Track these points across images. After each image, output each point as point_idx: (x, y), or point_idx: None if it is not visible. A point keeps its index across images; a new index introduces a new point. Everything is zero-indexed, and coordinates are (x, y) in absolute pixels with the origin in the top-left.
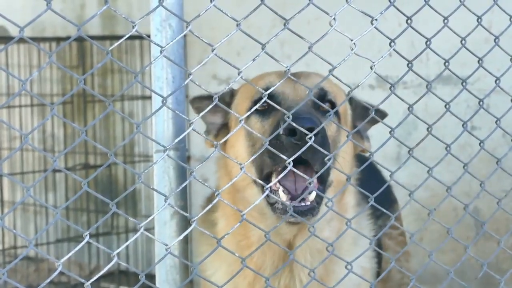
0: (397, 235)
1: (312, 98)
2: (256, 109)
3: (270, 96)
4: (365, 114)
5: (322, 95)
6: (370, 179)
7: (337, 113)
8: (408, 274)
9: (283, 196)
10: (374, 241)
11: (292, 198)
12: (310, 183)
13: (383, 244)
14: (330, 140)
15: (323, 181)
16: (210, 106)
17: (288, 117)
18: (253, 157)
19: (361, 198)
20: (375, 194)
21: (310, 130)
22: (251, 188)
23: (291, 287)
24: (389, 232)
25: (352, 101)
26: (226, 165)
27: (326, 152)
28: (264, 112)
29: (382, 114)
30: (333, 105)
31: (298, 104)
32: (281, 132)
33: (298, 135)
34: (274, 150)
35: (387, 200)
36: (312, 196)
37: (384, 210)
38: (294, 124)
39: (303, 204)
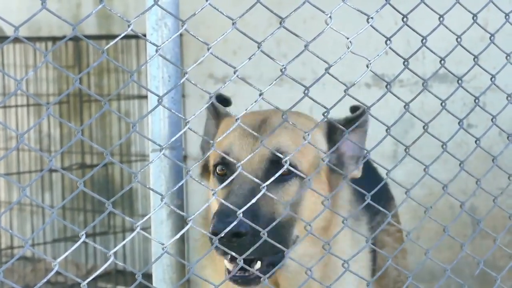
0: (394, 232)
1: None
2: (217, 173)
3: (226, 164)
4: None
5: (276, 159)
6: (366, 177)
7: (298, 174)
8: (405, 272)
9: (226, 264)
10: (370, 240)
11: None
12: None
13: (381, 241)
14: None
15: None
16: (204, 107)
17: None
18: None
19: (355, 200)
20: (371, 193)
21: (237, 233)
22: None
23: None
24: (387, 228)
25: (332, 132)
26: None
27: (277, 245)
28: (224, 177)
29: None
30: (293, 167)
31: (252, 170)
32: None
33: (226, 239)
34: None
35: (384, 197)
36: (257, 266)
37: (381, 208)
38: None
39: (245, 274)
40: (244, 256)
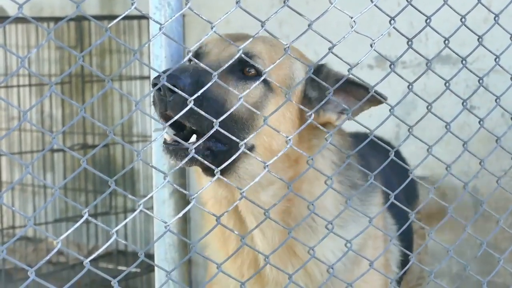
0: (418, 228)
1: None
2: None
3: (198, 55)
4: (341, 86)
5: (245, 60)
6: (395, 168)
7: (265, 81)
8: (426, 269)
9: (166, 137)
10: (373, 220)
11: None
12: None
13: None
14: (246, 106)
15: (221, 140)
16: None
17: (164, 73)
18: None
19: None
20: (395, 192)
21: (178, 88)
22: None
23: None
24: (411, 226)
25: (321, 70)
26: None
27: (206, 115)
28: None
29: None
30: (258, 71)
31: (214, 65)
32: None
33: (162, 91)
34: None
35: (412, 195)
36: (192, 139)
37: (402, 206)
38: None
39: (176, 145)
40: (174, 119)
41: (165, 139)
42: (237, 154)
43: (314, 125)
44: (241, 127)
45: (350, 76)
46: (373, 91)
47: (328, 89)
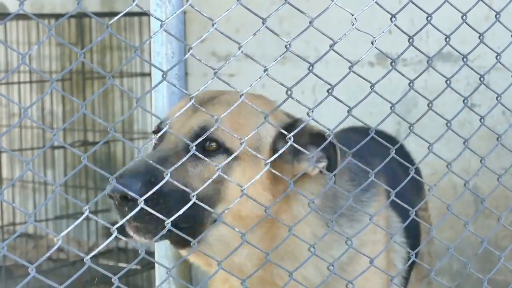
0: (427, 219)
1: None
2: (154, 143)
3: (160, 130)
4: (316, 140)
5: (206, 137)
6: (401, 163)
7: (227, 150)
8: (427, 267)
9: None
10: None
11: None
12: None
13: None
14: (205, 181)
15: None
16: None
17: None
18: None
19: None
20: (397, 188)
21: (126, 195)
22: None
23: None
24: (420, 216)
25: (295, 125)
26: None
27: (158, 216)
28: (155, 147)
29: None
30: (219, 144)
31: (172, 148)
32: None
33: (115, 200)
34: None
35: (416, 189)
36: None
37: (401, 203)
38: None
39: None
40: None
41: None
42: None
43: (289, 176)
44: (207, 203)
45: (328, 135)
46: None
47: (302, 140)
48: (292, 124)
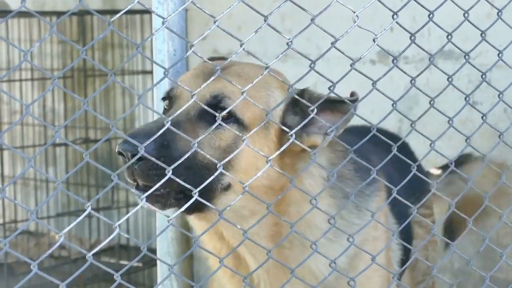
0: (427, 224)
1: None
2: (164, 108)
3: (170, 97)
4: (328, 107)
5: (215, 103)
6: (405, 164)
7: (237, 120)
8: (429, 264)
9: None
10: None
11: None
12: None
13: (414, 232)
14: (220, 149)
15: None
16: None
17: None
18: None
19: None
20: (398, 186)
21: (134, 153)
22: None
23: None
24: (419, 220)
25: (303, 95)
26: None
27: (163, 165)
28: (165, 112)
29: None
30: (230, 112)
31: (183, 114)
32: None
33: (126, 157)
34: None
35: (420, 188)
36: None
37: (404, 201)
38: (118, 148)
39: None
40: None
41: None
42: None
43: (297, 150)
44: (215, 171)
45: (331, 94)
46: (357, 101)
47: (311, 111)
48: (300, 93)
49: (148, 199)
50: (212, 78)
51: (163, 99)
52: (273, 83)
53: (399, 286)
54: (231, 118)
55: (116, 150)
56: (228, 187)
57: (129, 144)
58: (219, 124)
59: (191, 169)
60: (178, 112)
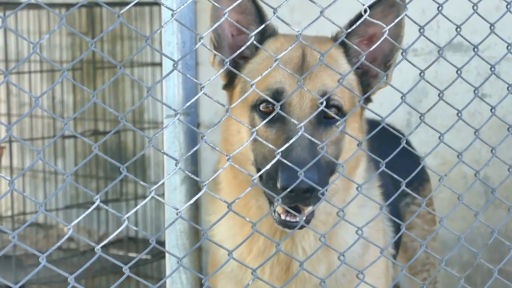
0: (425, 213)
1: (324, 109)
2: (261, 109)
3: (277, 101)
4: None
5: (327, 103)
6: (404, 157)
7: (343, 114)
8: (437, 257)
9: (278, 208)
10: (384, 207)
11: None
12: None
13: (411, 222)
14: (334, 145)
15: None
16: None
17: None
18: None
19: (369, 165)
20: (407, 179)
21: (307, 188)
22: (250, 166)
23: (293, 251)
24: (416, 210)
25: (348, 45)
26: (227, 130)
27: (319, 188)
28: (268, 115)
29: None
30: (339, 108)
31: (304, 116)
32: (278, 186)
33: (294, 194)
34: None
35: (418, 178)
36: (308, 209)
37: (409, 191)
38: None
39: (294, 220)
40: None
41: (278, 213)
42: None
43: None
44: (332, 166)
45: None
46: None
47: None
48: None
49: (293, 227)
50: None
51: (259, 102)
52: (335, 54)
53: (394, 266)
54: (339, 113)
55: (286, 186)
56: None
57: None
58: (331, 123)
59: (325, 175)
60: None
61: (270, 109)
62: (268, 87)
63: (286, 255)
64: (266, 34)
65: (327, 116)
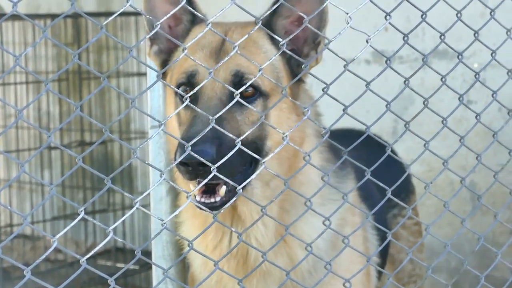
0: (411, 225)
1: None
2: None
3: (191, 84)
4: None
5: (238, 81)
6: (390, 168)
7: (261, 93)
8: (424, 265)
9: (192, 188)
10: (370, 216)
11: (204, 192)
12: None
13: (395, 233)
14: (251, 125)
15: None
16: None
17: (186, 147)
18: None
19: (333, 156)
20: (393, 187)
21: (201, 162)
22: None
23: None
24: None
25: (272, 25)
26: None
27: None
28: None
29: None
30: (255, 87)
31: (215, 95)
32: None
33: (192, 168)
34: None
35: (405, 189)
36: (222, 191)
37: (398, 201)
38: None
39: (211, 200)
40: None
41: (195, 195)
42: (259, 171)
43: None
44: (254, 147)
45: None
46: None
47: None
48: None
49: (210, 209)
50: (228, 57)
51: (178, 85)
52: (255, 36)
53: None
54: (257, 92)
55: (180, 161)
56: (268, 151)
57: (198, 153)
58: (249, 102)
59: (242, 152)
60: (222, 112)
61: (188, 91)
62: (184, 70)
63: (241, 249)
64: (195, 22)
65: (246, 96)
